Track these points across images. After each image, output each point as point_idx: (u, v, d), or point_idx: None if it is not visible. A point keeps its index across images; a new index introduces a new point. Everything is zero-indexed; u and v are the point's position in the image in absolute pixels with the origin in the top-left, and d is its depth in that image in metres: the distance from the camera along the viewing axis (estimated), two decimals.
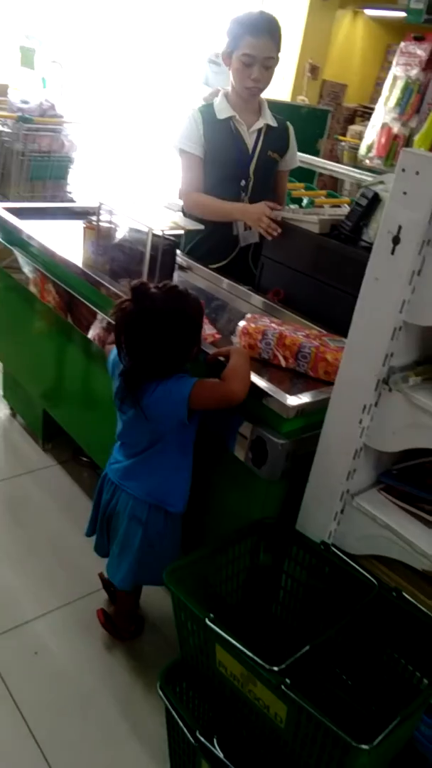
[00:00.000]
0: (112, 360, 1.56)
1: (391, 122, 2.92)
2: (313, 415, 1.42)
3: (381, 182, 1.85)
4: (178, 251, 2.13)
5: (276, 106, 2.29)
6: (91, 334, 1.89)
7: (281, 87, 5.21)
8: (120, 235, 1.94)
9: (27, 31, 4.13)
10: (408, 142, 2.77)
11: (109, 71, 4.86)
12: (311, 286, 1.94)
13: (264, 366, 1.62)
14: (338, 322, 1.67)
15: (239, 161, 2.21)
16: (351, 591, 1.30)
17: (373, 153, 2.98)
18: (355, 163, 4.15)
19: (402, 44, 2.85)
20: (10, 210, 2.34)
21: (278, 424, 1.41)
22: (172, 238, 1.90)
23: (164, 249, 1.84)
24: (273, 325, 1.67)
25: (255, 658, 1.09)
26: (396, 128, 2.88)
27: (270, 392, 1.42)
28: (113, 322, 1.44)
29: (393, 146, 2.87)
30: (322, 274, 1.91)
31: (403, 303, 1.19)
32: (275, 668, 1.07)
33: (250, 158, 2.22)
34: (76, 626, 1.81)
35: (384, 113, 2.96)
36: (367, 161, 3.11)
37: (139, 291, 1.39)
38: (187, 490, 1.57)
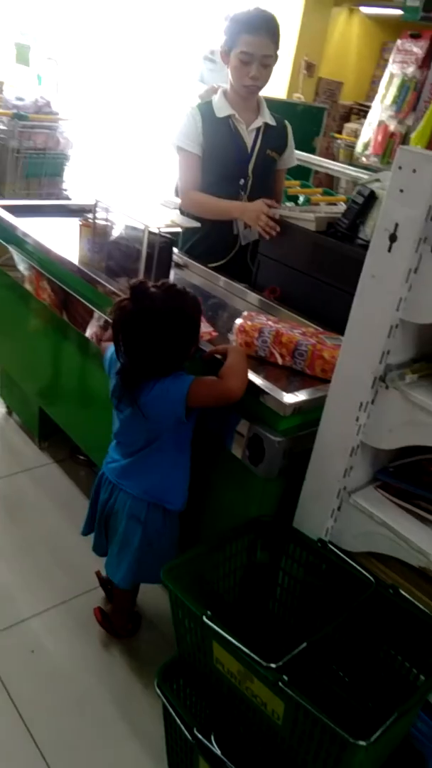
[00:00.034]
0: (108, 358, 1.56)
1: (388, 120, 2.92)
2: (310, 412, 1.42)
3: (377, 180, 1.86)
4: (174, 249, 2.12)
5: (272, 104, 2.29)
6: (89, 332, 1.89)
7: (277, 84, 5.20)
8: (116, 232, 1.94)
9: (22, 27, 4.11)
10: (404, 139, 2.78)
11: (105, 68, 4.85)
12: (308, 284, 1.94)
13: (261, 364, 1.62)
14: (335, 320, 1.67)
15: (238, 160, 2.21)
16: (348, 588, 1.30)
17: (370, 150, 2.99)
18: (351, 160, 4.15)
19: (398, 42, 2.85)
20: (6, 207, 2.34)
21: (275, 422, 1.41)
22: (168, 235, 1.89)
23: (161, 247, 1.84)
24: (270, 322, 1.67)
25: (252, 655, 1.09)
26: (392, 126, 2.89)
27: (267, 390, 1.42)
28: (111, 321, 1.43)
29: (389, 144, 2.87)
30: (318, 272, 1.91)
31: (400, 301, 1.19)
32: (272, 665, 1.07)
33: (249, 157, 2.22)
34: (73, 624, 1.81)
35: (380, 111, 2.96)
36: (364, 159, 3.11)
37: (139, 290, 1.38)
38: (185, 488, 1.57)
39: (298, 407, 1.40)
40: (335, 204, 2.21)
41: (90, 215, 1.94)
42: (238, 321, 1.67)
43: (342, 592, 1.30)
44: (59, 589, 1.90)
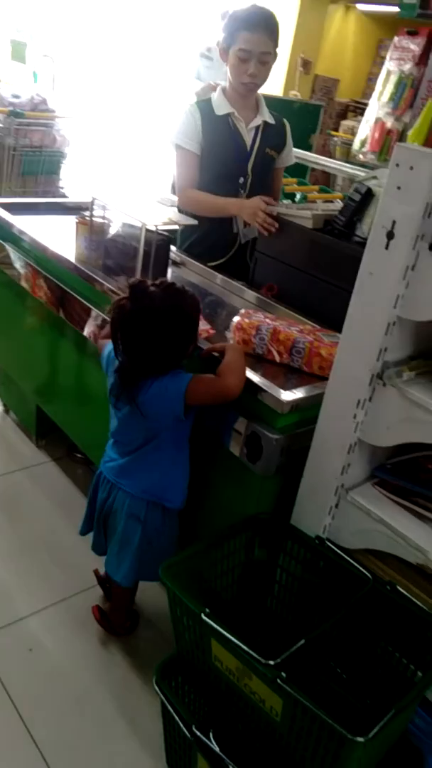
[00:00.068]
0: (106, 356, 1.56)
1: (385, 117, 2.92)
2: (308, 410, 1.42)
3: (374, 177, 1.85)
4: (172, 247, 2.12)
5: (268, 101, 2.29)
6: (87, 331, 1.88)
7: (273, 82, 5.18)
8: (113, 230, 1.93)
9: (18, 24, 4.10)
10: (401, 136, 2.78)
11: (101, 65, 4.84)
12: (305, 282, 1.94)
13: (258, 361, 1.62)
14: (332, 317, 1.68)
15: (237, 158, 2.20)
16: (345, 585, 1.30)
17: (367, 148, 2.99)
18: (348, 158, 4.15)
19: (395, 39, 2.85)
20: (2, 205, 2.33)
21: (273, 420, 1.41)
22: (165, 233, 1.89)
23: (158, 244, 1.83)
24: (267, 320, 1.67)
25: (250, 652, 1.09)
26: (389, 123, 2.89)
27: (264, 387, 1.42)
28: (109, 320, 1.43)
29: (386, 141, 2.87)
30: (315, 269, 1.91)
31: (397, 298, 1.19)
32: (271, 662, 1.07)
33: (248, 155, 2.22)
34: (71, 623, 1.81)
35: (377, 108, 2.96)
36: (361, 156, 3.11)
37: (138, 289, 1.38)
38: (185, 486, 1.57)
39: (295, 405, 1.40)
40: (332, 201, 2.21)
41: (87, 213, 1.94)
42: (236, 318, 1.67)
43: (340, 589, 1.30)
44: (57, 588, 1.90)
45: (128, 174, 4.27)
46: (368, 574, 1.31)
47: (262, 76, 2.10)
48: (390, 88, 2.80)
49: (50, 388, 2.31)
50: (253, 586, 1.50)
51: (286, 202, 2.36)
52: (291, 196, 2.70)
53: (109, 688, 1.65)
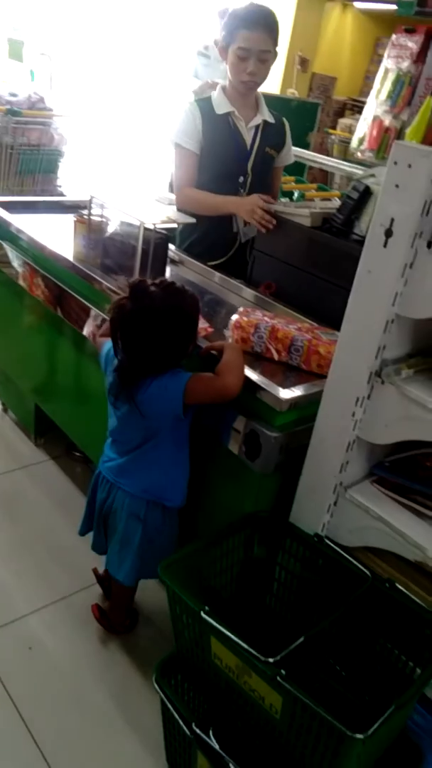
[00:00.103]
0: (104, 354, 1.56)
1: (383, 115, 2.92)
2: (306, 408, 1.42)
3: (372, 175, 1.85)
4: (170, 245, 2.12)
5: (266, 99, 2.28)
6: (86, 331, 1.88)
7: (271, 80, 5.17)
8: (111, 229, 1.93)
9: (15, 23, 4.09)
10: (399, 134, 2.78)
11: (99, 64, 4.83)
12: (303, 280, 1.94)
13: (257, 359, 1.62)
14: (330, 315, 1.68)
15: (237, 158, 2.20)
16: (344, 582, 1.30)
17: (365, 146, 2.98)
18: (345, 156, 4.15)
19: (393, 36, 2.85)
20: (0, 204, 2.32)
21: (271, 418, 1.41)
22: (163, 231, 1.89)
23: (156, 243, 1.83)
24: (265, 318, 1.67)
25: (250, 649, 1.09)
26: (387, 121, 2.88)
27: (263, 386, 1.42)
28: (109, 319, 1.43)
29: (384, 139, 2.87)
30: (313, 268, 1.91)
31: (396, 296, 1.19)
32: (270, 660, 1.07)
33: (248, 155, 2.21)
34: (71, 621, 1.81)
35: (375, 106, 2.96)
36: (359, 154, 3.11)
37: (138, 289, 1.38)
38: (185, 485, 1.58)
39: (294, 403, 1.41)
40: (330, 200, 2.21)
41: (85, 211, 1.94)
42: (234, 317, 1.67)
43: (338, 587, 1.30)
44: (56, 586, 1.90)
45: (126, 172, 4.26)
46: (367, 572, 1.31)
47: (261, 75, 2.10)
48: (388, 86, 2.80)
49: (48, 386, 2.31)
50: (252, 584, 1.50)
51: (284, 200, 2.36)
52: (289, 194, 2.70)
53: (108, 687, 1.65)
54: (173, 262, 2.23)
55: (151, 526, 1.56)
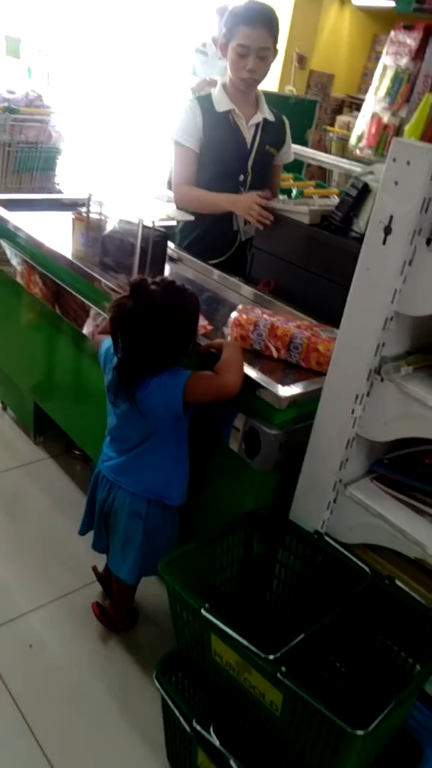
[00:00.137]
0: (103, 352, 1.56)
1: (381, 112, 2.91)
2: (306, 405, 1.42)
3: (371, 172, 1.85)
4: (170, 243, 2.12)
5: (264, 97, 2.28)
6: (86, 330, 1.88)
7: (269, 77, 5.17)
8: (110, 226, 1.93)
9: (12, 19, 4.07)
10: (398, 131, 2.77)
11: (96, 61, 4.81)
12: (302, 277, 1.94)
13: (256, 357, 1.62)
14: (329, 313, 1.68)
15: (238, 156, 2.20)
16: (344, 579, 1.31)
17: (364, 143, 2.98)
18: (344, 153, 4.15)
19: (392, 33, 2.84)
20: None
21: (271, 415, 1.41)
22: (162, 229, 1.89)
23: (155, 240, 1.83)
24: (265, 316, 1.67)
25: (250, 647, 1.10)
26: (386, 118, 2.88)
27: (262, 383, 1.42)
28: (109, 318, 1.43)
29: (383, 136, 2.87)
30: (312, 265, 1.91)
31: (395, 293, 1.20)
32: (270, 657, 1.08)
33: (248, 153, 2.21)
34: (71, 619, 1.81)
35: (374, 103, 2.95)
36: (358, 151, 3.11)
37: (139, 287, 1.38)
38: (185, 483, 1.58)
39: (293, 400, 1.41)
40: (328, 197, 2.21)
41: (83, 209, 1.93)
42: (234, 314, 1.67)
43: (338, 584, 1.30)
44: (57, 584, 1.90)
45: (125, 170, 4.25)
46: (367, 569, 1.31)
47: (261, 72, 2.10)
48: (386, 82, 2.79)
49: (47, 384, 2.31)
50: (252, 582, 1.51)
51: (282, 197, 2.35)
52: (287, 191, 2.70)
53: (109, 684, 1.65)
54: (172, 259, 2.23)
55: (152, 524, 1.56)
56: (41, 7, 4.38)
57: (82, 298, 1.89)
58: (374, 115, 2.95)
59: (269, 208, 1.99)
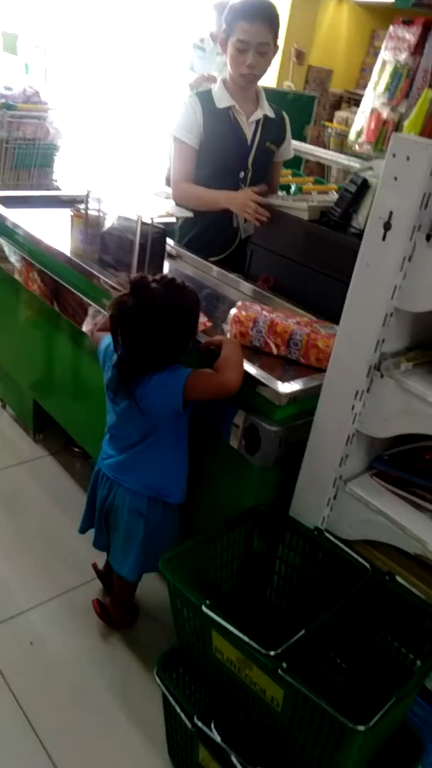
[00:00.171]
0: (103, 350, 1.55)
1: (380, 107, 2.91)
2: (306, 402, 1.42)
3: (370, 168, 1.85)
4: (169, 240, 2.11)
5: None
6: (85, 328, 1.88)
7: (267, 72, 5.16)
8: (108, 223, 1.92)
9: (9, 15, 4.06)
10: (397, 127, 2.77)
11: (94, 57, 4.80)
12: (301, 273, 1.94)
13: (255, 354, 1.62)
14: (329, 309, 1.68)
15: (238, 152, 2.19)
16: (344, 576, 1.31)
17: (363, 138, 2.98)
18: (342, 149, 4.14)
19: (391, 28, 2.84)
20: None
21: (271, 412, 1.41)
22: (161, 226, 1.88)
23: (154, 237, 1.83)
24: (264, 312, 1.67)
25: (251, 643, 1.10)
26: (385, 113, 2.88)
27: (262, 380, 1.42)
28: (109, 315, 1.42)
29: (382, 131, 2.86)
30: (312, 261, 1.91)
31: (395, 289, 1.19)
32: (271, 653, 1.08)
33: (248, 149, 2.20)
34: (72, 616, 1.81)
35: (373, 98, 2.95)
36: (357, 147, 3.10)
37: (139, 285, 1.37)
38: (184, 481, 1.58)
39: (293, 397, 1.41)
40: (327, 193, 2.21)
41: (81, 206, 1.93)
42: (233, 311, 1.66)
43: (338, 580, 1.31)
44: (57, 581, 1.90)
45: (123, 166, 4.24)
46: (367, 565, 1.32)
47: (260, 68, 2.08)
48: (385, 78, 2.79)
49: (46, 382, 2.30)
50: (253, 578, 1.51)
51: (281, 194, 2.35)
52: (286, 187, 2.69)
53: (109, 681, 1.66)
54: (171, 256, 2.22)
55: (152, 521, 1.56)
56: (38, 4, 4.36)
57: (81, 296, 1.88)
58: (373, 111, 2.95)
59: (266, 205, 1.98)
